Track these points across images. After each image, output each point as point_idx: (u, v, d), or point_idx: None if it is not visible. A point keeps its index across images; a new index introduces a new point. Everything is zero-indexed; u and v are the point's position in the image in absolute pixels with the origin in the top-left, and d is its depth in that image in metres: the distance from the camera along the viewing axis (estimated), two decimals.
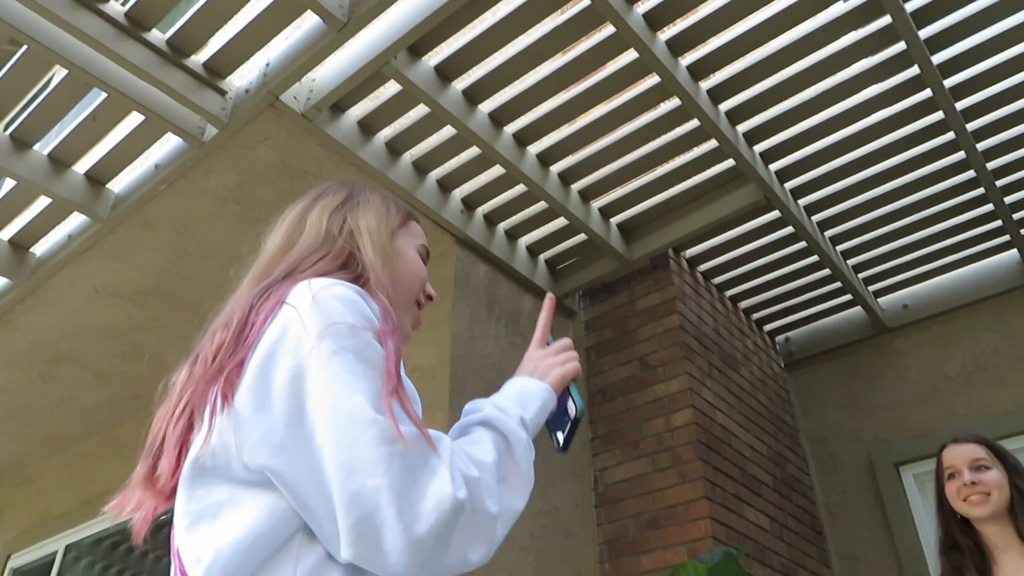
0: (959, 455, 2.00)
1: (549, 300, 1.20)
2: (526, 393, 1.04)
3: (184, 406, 0.95)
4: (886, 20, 2.52)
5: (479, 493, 0.85)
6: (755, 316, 4.09)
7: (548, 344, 1.16)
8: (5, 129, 2.78)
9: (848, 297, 3.92)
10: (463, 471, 0.85)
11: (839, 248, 3.64)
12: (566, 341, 1.15)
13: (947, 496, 1.99)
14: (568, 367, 1.11)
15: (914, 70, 2.71)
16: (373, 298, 0.96)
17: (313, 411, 0.83)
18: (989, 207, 3.37)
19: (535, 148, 2.97)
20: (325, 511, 0.81)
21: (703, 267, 3.73)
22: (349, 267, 1.05)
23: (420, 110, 2.77)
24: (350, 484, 0.79)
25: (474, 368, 2.92)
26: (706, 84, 2.74)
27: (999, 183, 3.22)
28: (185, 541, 0.88)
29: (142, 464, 0.98)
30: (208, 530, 0.86)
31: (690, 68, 2.66)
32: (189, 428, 0.94)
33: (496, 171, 3.03)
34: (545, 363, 1.10)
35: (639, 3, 2.45)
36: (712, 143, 2.94)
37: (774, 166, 3.13)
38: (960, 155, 3.09)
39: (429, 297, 1.20)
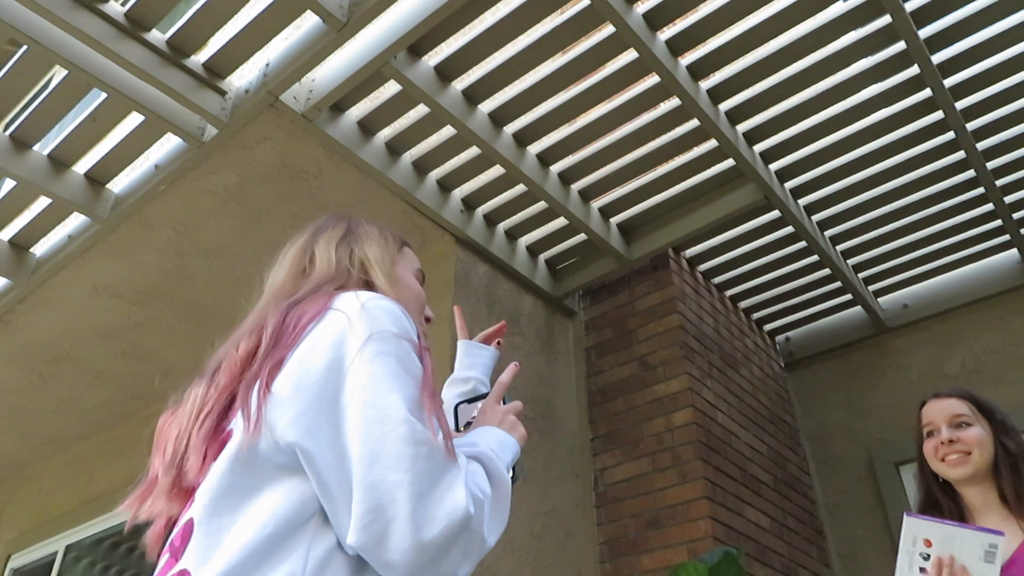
0: (938, 411, 1.80)
1: (515, 366, 1.26)
2: (504, 443, 1.08)
3: (209, 411, 0.97)
4: (886, 20, 2.52)
5: (481, 515, 0.88)
6: (755, 316, 4.09)
7: (504, 402, 1.20)
8: (5, 129, 2.78)
9: (848, 297, 3.93)
10: (473, 491, 0.88)
11: (839, 248, 3.64)
12: (518, 405, 1.19)
13: (925, 456, 1.81)
14: (523, 431, 1.16)
15: (914, 70, 2.72)
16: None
17: (348, 400, 0.87)
18: (989, 207, 3.37)
19: (535, 148, 2.97)
20: (343, 497, 0.84)
21: (703, 267, 3.73)
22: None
23: (420, 110, 2.77)
24: (371, 474, 0.82)
25: None
26: (706, 84, 2.74)
27: (999, 183, 3.22)
28: (201, 517, 0.89)
29: (165, 475, 0.99)
30: (228, 515, 0.87)
31: (690, 68, 2.66)
32: (216, 429, 0.96)
33: (496, 171, 3.03)
34: (509, 420, 1.14)
35: (639, 3, 2.45)
36: (712, 143, 2.94)
37: (774, 166, 3.13)
38: (960, 155, 3.09)
39: (427, 319, 1.24)
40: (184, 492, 0.99)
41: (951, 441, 1.75)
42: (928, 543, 1.58)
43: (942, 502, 1.79)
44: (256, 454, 0.89)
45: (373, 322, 0.92)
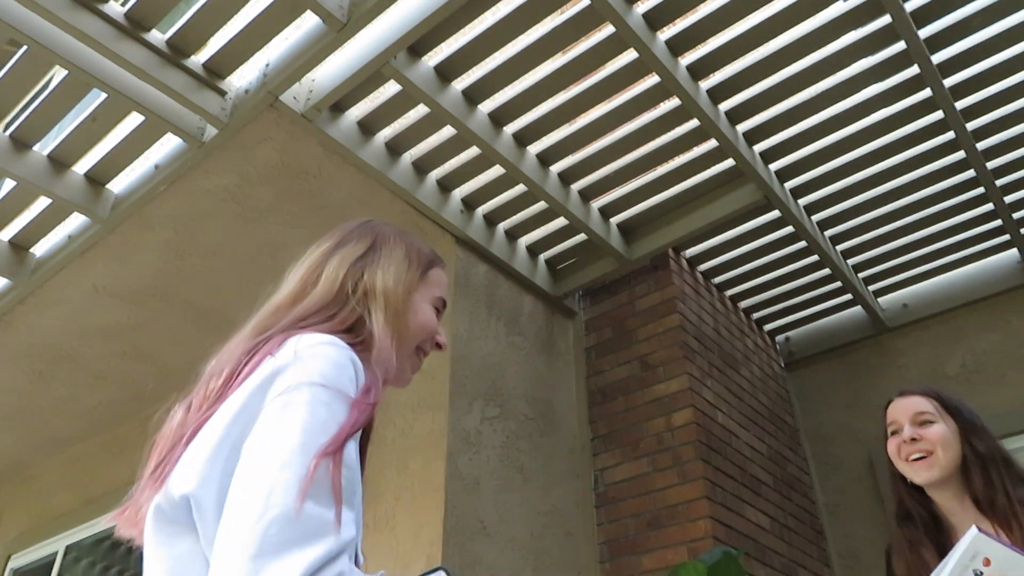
0: (901, 409, 1.75)
1: None
2: None
3: (172, 450, 0.94)
4: (886, 20, 2.52)
5: None
6: (755, 316, 4.09)
7: None
8: (5, 129, 2.78)
9: (848, 297, 3.93)
10: None
11: (839, 248, 3.64)
12: None
13: (889, 456, 1.73)
14: None
15: (914, 70, 2.72)
16: (366, 367, 0.95)
17: (243, 453, 0.83)
18: (989, 206, 3.37)
19: (535, 148, 2.97)
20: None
21: (703, 267, 3.73)
22: (354, 332, 1.03)
23: (420, 110, 2.77)
24: (228, 543, 0.78)
25: (474, 368, 2.92)
26: (706, 84, 2.74)
27: (999, 182, 3.22)
28: None
29: (137, 499, 0.97)
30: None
31: (690, 68, 2.66)
32: None
33: (496, 171, 3.03)
34: None
35: (639, 3, 2.45)
36: (712, 143, 2.94)
37: (774, 166, 3.13)
38: (960, 155, 3.09)
39: (438, 345, 1.16)
40: None
41: (913, 440, 1.68)
42: (987, 562, 1.54)
43: (913, 512, 1.70)
44: (160, 512, 0.87)
45: (300, 373, 0.87)
